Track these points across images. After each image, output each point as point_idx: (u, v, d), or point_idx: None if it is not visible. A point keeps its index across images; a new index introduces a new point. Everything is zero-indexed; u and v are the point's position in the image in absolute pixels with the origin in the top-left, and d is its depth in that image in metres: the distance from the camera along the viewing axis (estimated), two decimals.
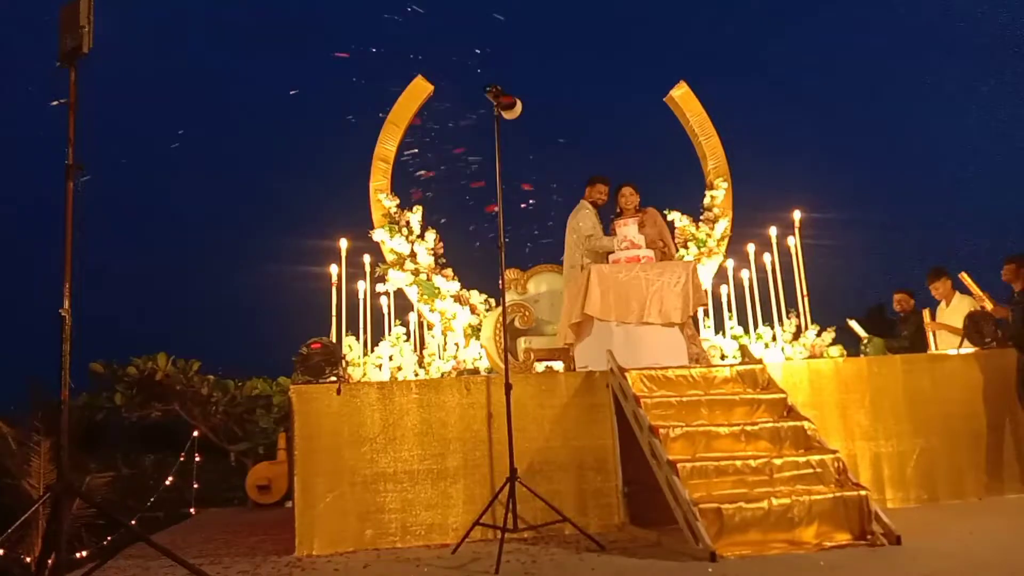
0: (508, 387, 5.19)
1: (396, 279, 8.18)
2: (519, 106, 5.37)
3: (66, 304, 4.15)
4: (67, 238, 4.15)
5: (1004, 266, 7.31)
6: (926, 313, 8.16)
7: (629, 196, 7.37)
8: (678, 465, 4.91)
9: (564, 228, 7.60)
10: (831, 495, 4.77)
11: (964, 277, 7.60)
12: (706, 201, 8.94)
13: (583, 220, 7.30)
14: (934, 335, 8.01)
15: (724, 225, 8.82)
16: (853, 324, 7.82)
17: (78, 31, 4.16)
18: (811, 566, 4.11)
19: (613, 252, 6.95)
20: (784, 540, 4.61)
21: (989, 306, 7.22)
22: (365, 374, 7.06)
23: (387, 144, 8.63)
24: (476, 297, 8.29)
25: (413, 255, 8.25)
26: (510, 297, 8.17)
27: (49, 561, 4.27)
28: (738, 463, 5.05)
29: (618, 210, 7.39)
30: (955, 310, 7.83)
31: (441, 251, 8.34)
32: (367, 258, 8.07)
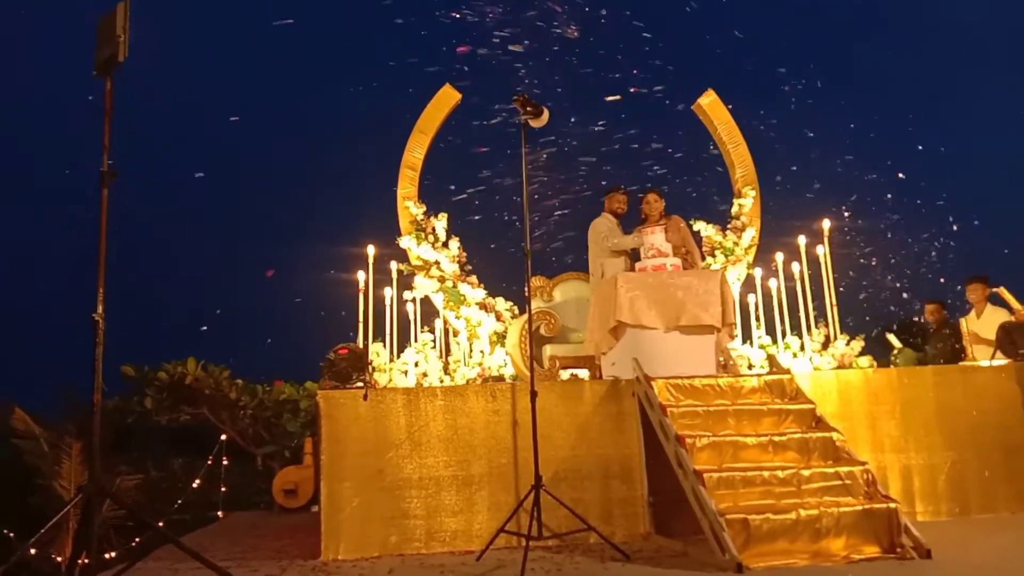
0: (534, 394, 5.19)
1: (422, 286, 8.23)
2: (546, 114, 5.39)
3: (99, 308, 4.22)
4: (101, 243, 4.23)
5: None
6: (963, 322, 8.03)
7: (653, 203, 7.38)
8: (704, 475, 4.88)
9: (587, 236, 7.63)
10: (860, 507, 4.71)
11: (1003, 292, 7.46)
12: (734, 209, 8.91)
13: (601, 226, 7.34)
14: (970, 345, 7.89)
15: (752, 234, 8.78)
16: (891, 338, 7.70)
17: (115, 40, 4.24)
18: None
19: (632, 248, 6.98)
20: (812, 552, 4.55)
21: None
22: (391, 380, 7.10)
23: (415, 152, 8.71)
24: (502, 304, 8.32)
25: (438, 262, 8.30)
26: (536, 304, 8.18)
27: (80, 561, 4.33)
28: (765, 474, 5.01)
29: (643, 217, 7.39)
30: (986, 322, 7.72)
31: (464, 259, 8.39)
32: (394, 265, 8.13)
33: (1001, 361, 6.64)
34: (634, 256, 7.26)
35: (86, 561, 4.24)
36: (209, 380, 10.04)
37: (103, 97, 4.33)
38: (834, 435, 5.34)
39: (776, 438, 5.32)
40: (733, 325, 6.90)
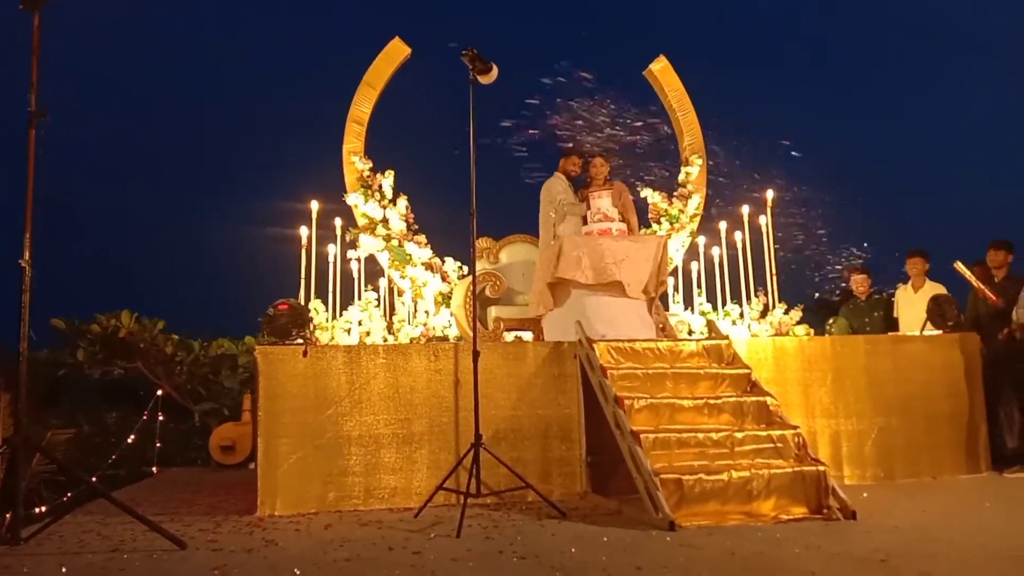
0: (476, 354, 5.19)
1: (368, 244, 8.12)
2: (495, 71, 5.33)
3: (27, 255, 4.08)
4: (28, 187, 4.07)
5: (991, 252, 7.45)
6: (898, 293, 8.14)
7: (599, 166, 7.38)
8: (641, 436, 4.96)
9: (537, 198, 7.60)
10: (790, 470, 4.85)
11: (959, 267, 7.48)
12: (680, 177, 8.96)
13: (554, 187, 7.33)
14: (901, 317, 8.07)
15: (697, 201, 8.85)
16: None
17: None
18: (767, 538, 4.18)
19: (580, 216, 7.01)
20: (742, 512, 4.69)
21: (990, 296, 7.20)
22: (333, 338, 7.02)
23: (362, 106, 8.52)
24: (449, 265, 8.27)
25: (385, 220, 8.19)
26: (481, 266, 8.15)
27: (6, 516, 4.23)
28: (700, 435, 5.11)
29: (588, 180, 7.40)
30: (923, 296, 7.88)
31: (412, 218, 8.29)
32: (338, 221, 8.00)
33: (931, 332, 6.86)
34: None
35: (13, 515, 4.14)
36: (144, 334, 9.80)
37: (31, 34, 4.14)
38: (768, 399, 5.47)
39: (712, 401, 5.43)
40: (664, 283, 6.98)
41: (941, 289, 7.61)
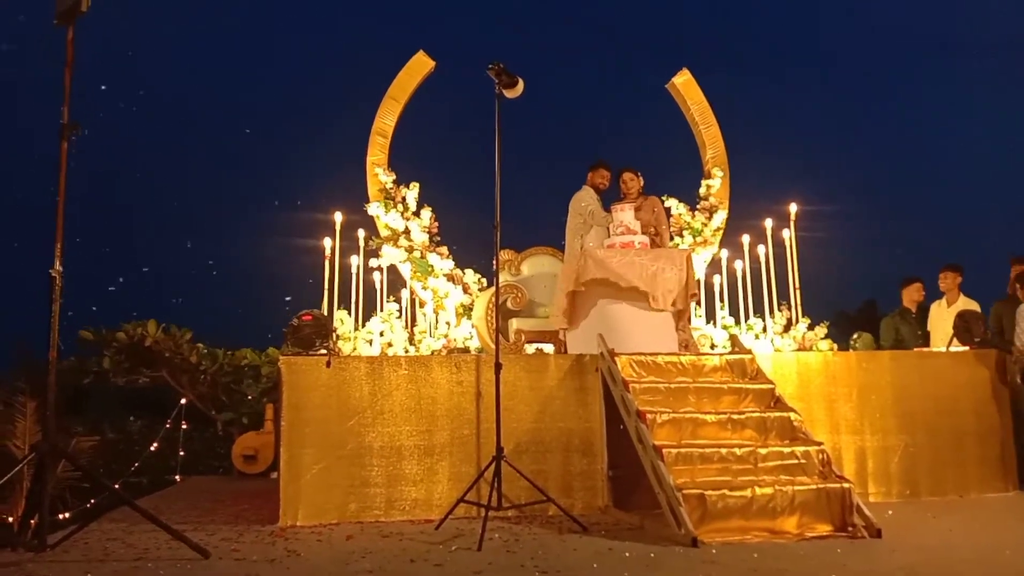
0: (498, 367, 5.19)
1: (390, 255, 8.17)
2: (521, 85, 5.35)
3: (57, 264, 4.14)
4: (59, 198, 4.13)
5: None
6: (932, 308, 7.95)
7: (630, 181, 7.40)
8: (663, 450, 4.93)
9: (559, 211, 7.61)
10: (814, 486, 4.80)
11: None
12: (702, 190, 8.94)
13: (584, 200, 7.32)
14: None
15: (722, 216, 8.82)
16: None
17: None
18: (791, 555, 4.14)
19: (606, 226, 7.00)
20: (766, 529, 4.64)
21: None
22: (355, 349, 7.06)
23: (386, 119, 8.60)
24: (470, 276, 8.29)
25: (407, 232, 8.23)
26: (503, 278, 8.17)
27: (32, 522, 4.28)
28: (723, 451, 5.08)
29: (621, 195, 7.41)
30: (955, 311, 7.76)
31: (436, 230, 8.33)
32: (361, 233, 8.06)
33: (958, 348, 6.78)
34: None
35: (39, 520, 4.19)
36: (169, 343, 9.89)
37: (64, 47, 4.21)
38: (792, 415, 5.43)
39: (735, 416, 5.39)
40: (694, 296, 6.93)
41: (973, 304, 7.51)
